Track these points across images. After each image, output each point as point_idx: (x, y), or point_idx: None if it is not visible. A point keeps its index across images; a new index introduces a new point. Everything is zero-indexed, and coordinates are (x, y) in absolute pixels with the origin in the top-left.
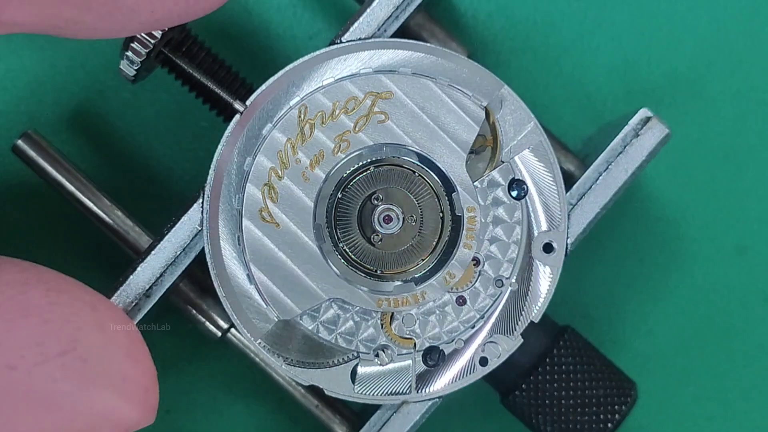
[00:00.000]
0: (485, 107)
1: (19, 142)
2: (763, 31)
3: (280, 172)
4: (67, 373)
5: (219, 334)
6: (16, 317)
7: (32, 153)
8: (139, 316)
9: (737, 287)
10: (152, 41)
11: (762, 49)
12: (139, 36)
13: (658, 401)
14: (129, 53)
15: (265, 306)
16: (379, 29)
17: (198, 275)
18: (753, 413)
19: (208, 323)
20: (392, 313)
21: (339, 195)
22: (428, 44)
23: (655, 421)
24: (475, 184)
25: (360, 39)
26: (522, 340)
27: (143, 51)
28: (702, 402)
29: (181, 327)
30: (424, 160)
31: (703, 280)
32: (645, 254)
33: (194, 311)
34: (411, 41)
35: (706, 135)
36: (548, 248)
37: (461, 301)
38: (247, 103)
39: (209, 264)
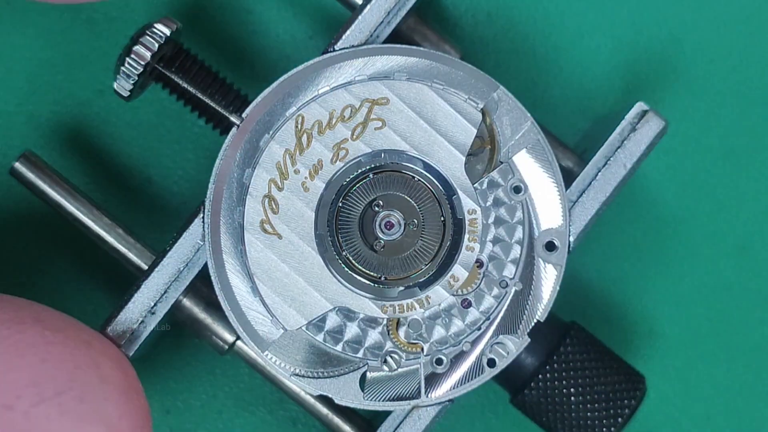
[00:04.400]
0: (481, 109)
1: (17, 164)
2: (762, 31)
3: (279, 183)
4: (63, 412)
5: (225, 347)
6: (13, 357)
7: (30, 175)
8: (145, 334)
9: (737, 287)
10: (144, 60)
11: (762, 48)
12: (131, 55)
13: (658, 401)
14: (122, 72)
15: (270, 318)
16: (371, 35)
17: (202, 289)
18: (753, 412)
19: (214, 337)
20: (398, 319)
21: (339, 203)
22: (422, 48)
23: (655, 421)
24: (474, 186)
25: (353, 46)
26: (529, 339)
27: (137, 69)
28: (702, 401)
29: (187, 342)
30: (423, 164)
31: (703, 280)
32: (645, 254)
33: (199, 326)
34: (404, 46)
35: (706, 134)
36: (551, 246)
37: (466, 303)
38: (243, 115)
39: (213, 278)
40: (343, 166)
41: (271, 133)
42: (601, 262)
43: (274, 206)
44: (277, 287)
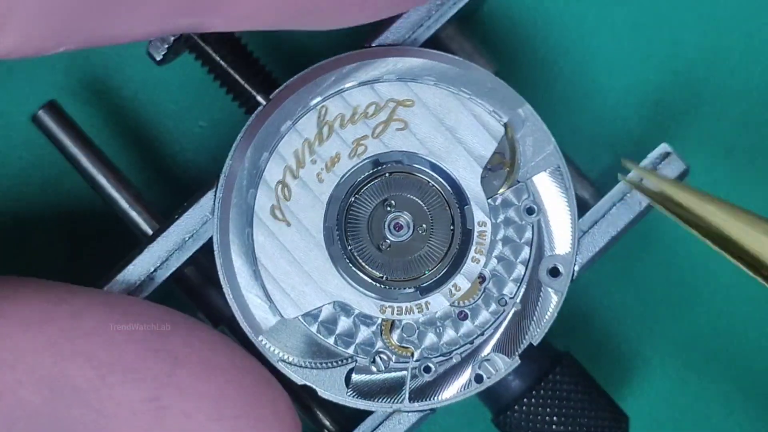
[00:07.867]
0: (505, 123)
1: (40, 113)
2: (763, 32)
3: (295, 171)
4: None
5: (219, 323)
6: (201, 375)
7: (52, 125)
8: (142, 297)
9: (737, 287)
10: None
11: (762, 49)
12: None
13: (657, 399)
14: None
15: (268, 304)
16: (409, 37)
17: (204, 263)
18: (753, 413)
19: (208, 311)
20: (393, 321)
21: (352, 199)
22: (454, 56)
23: (654, 421)
24: (488, 201)
25: (386, 45)
26: (519, 361)
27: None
28: (701, 401)
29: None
30: (439, 170)
31: (703, 280)
32: (644, 253)
33: (196, 299)
34: (436, 51)
35: (707, 134)
36: (555, 272)
37: (463, 315)
38: (270, 97)
39: (216, 255)
40: (360, 162)
41: (293, 119)
42: (599, 261)
43: (286, 193)
44: (279, 274)
